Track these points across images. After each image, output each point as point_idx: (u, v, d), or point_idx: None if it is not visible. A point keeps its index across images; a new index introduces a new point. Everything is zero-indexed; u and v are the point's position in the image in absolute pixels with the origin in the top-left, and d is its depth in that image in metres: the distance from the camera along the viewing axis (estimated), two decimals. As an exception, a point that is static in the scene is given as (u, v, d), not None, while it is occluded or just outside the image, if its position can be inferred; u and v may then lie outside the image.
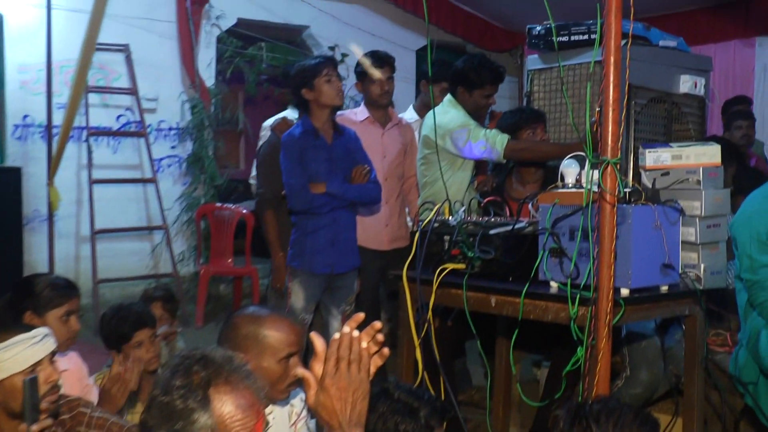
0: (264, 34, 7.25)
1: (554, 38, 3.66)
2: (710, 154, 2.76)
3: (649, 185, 2.77)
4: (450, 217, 2.91)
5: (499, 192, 3.84)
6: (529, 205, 2.81)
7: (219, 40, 6.92)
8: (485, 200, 3.04)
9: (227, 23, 6.94)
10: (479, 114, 4.04)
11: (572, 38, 3.71)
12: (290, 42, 7.59)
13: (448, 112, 3.90)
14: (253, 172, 4.50)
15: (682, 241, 2.61)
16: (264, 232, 4.04)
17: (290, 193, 3.64)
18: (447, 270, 2.76)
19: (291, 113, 4.45)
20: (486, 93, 3.95)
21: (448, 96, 4.00)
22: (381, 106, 4.30)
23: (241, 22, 7.07)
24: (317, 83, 3.67)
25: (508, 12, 8.12)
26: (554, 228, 2.51)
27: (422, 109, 4.71)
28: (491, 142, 3.72)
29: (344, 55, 7.37)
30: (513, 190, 3.87)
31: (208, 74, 6.82)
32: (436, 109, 3.82)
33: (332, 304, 3.84)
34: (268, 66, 7.27)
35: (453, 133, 3.81)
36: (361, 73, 4.31)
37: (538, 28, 3.82)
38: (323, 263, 3.70)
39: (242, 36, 7.08)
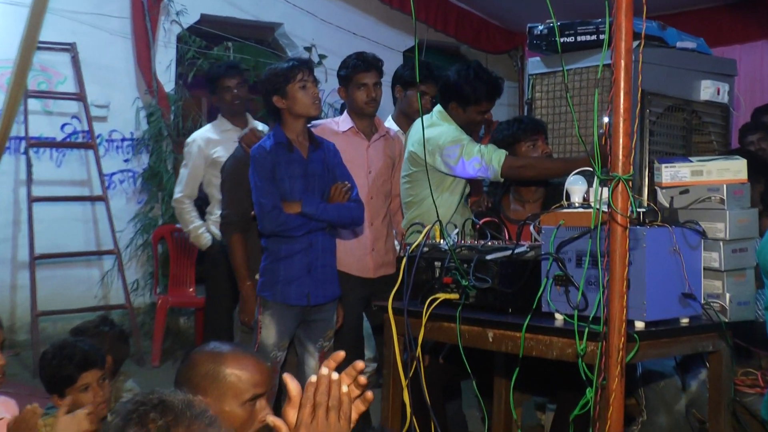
0: (231, 33, 7.28)
1: (557, 39, 3.69)
2: (735, 169, 2.79)
3: (666, 204, 2.79)
4: (441, 241, 2.92)
5: (495, 213, 3.86)
6: (531, 227, 2.82)
7: (180, 38, 6.94)
8: (481, 221, 3.05)
9: (189, 20, 6.97)
10: (472, 129, 4.06)
11: (578, 39, 3.75)
12: (261, 41, 7.62)
13: (438, 126, 3.92)
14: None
15: (704, 268, 2.63)
16: (230, 258, 4.04)
17: (261, 214, 3.64)
18: (438, 300, 2.77)
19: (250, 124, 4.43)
20: (482, 109, 3.97)
21: (438, 108, 4.01)
22: (366, 115, 4.31)
23: (205, 19, 7.10)
24: (290, 90, 3.69)
25: (507, 9, 8.20)
26: (559, 253, 2.53)
27: (401, 119, 4.72)
28: (487, 159, 3.73)
29: (322, 57, 7.41)
30: (511, 211, 3.89)
31: (166, 78, 6.83)
32: (423, 120, 3.84)
33: (308, 340, 3.83)
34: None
35: (444, 150, 3.83)
36: (344, 77, 4.33)
37: (540, 27, 3.86)
38: (298, 293, 3.69)
39: (206, 34, 7.10)
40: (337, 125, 4.36)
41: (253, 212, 3.73)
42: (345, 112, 4.45)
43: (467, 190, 4.09)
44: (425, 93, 4.61)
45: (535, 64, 4.03)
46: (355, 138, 4.32)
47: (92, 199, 6.56)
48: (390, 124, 4.70)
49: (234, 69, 5.24)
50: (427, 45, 7.73)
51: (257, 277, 3.91)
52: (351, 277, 4.22)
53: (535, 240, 2.82)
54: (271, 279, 3.69)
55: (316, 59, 7.45)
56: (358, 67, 4.27)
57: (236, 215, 4.01)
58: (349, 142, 4.28)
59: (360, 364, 1.62)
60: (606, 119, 2.26)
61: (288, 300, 3.69)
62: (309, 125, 3.93)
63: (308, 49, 7.50)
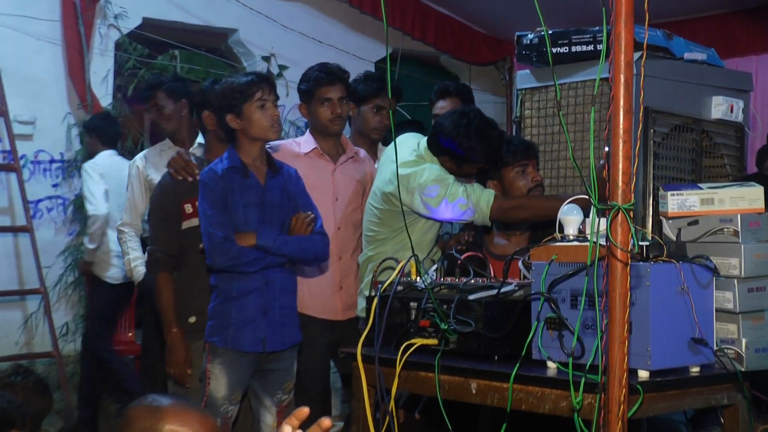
0: (178, 39, 7.30)
1: (549, 49, 3.74)
2: (751, 197, 2.83)
3: (673, 237, 2.83)
4: (418, 279, 2.92)
5: (477, 248, 3.87)
6: (519, 263, 2.84)
7: (118, 45, 6.95)
8: (463, 256, 3.06)
9: (129, 24, 6.99)
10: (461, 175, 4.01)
11: (573, 49, 3.80)
12: (212, 49, 7.65)
13: (419, 163, 3.90)
14: None
15: (716, 310, 2.66)
16: (156, 300, 4.02)
17: (210, 246, 3.63)
18: (414, 346, 2.77)
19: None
20: (478, 168, 3.93)
21: (424, 145, 3.98)
22: (331, 135, 4.33)
23: (147, 24, 7.12)
24: (247, 110, 3.68)
25: (494, 15, 8.29)
26: (551, 292, 2.55)
27: (358, 140, 4.69)
28: (474, 201, 3.73)
29: (282, 68, 7.45)
30: (494, 246, 3.91)
31: (103, 90, 6.83)
32: (402, 150, 3.86)
33: (265, 393, 3.82)
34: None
35: (425, 189, 3.78)
36: (305, 92, 4.34)
37: (530, 35, 3.91)
38: (252, 338, 3.68)
39: (149, 41, 7.11)
40: (299, 146, 4.37)
41: (201, 245, 3.72)
42: (308, 131, 4.46)
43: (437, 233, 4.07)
44: (381, 107, 4.60)
45: (524, 78, 4.07)
46: (319, 161, 4.33)
47: (15, 230, 6.51)
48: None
49: (165, 85, 5.14)
50: (403, 55, 7.80)
51: (191, 320, 3.90)
52: (316, 321, 4.21)
53: (524, 278, 2.84)
54: (222, 322, 3.68)
55: (275, 70, 7.49)
56: (321, 80, 4.29)
57: (163, 251, 4.00)
58: (313, 165, 4.29)
59: (326, 422, 1.62)
60: (606, 149, 2.28)
61: (241, 346, 3.67)
62: (267, 147, 3.93)
63: (266, 58, 7.53)
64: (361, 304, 4.05)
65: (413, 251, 2.97)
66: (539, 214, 3.69)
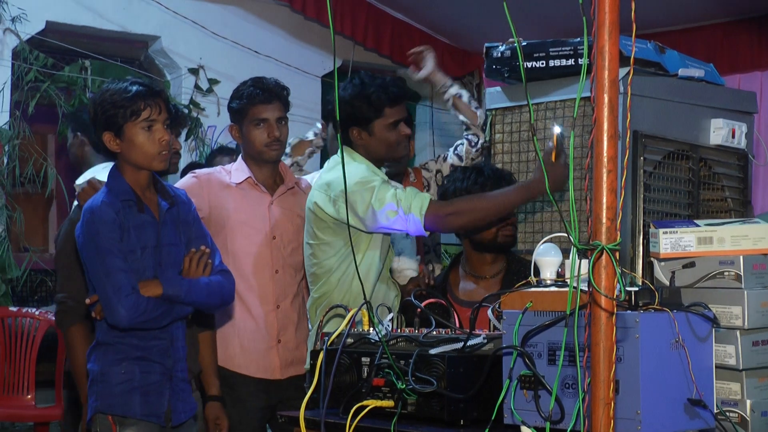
0: (89, 48, 7.27)
1: (521, 63, 3.78)
2: (756, 236, 2.86)
3: (666, 282, 2.86)
4: (371, 330, 2.93)
5: (441, 292, 3.88)
6: (488, 311, 2.86)
7: (17, 54, 6.90)
8: (423, 303, 3.08)
9: (30, 29, 6.94)
10: (396, 155, 4.07)
11: (551, 63, 3.86)
12: (130, 60, 7.62)
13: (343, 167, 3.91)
14: None
15: (716, 366, 2.68)
16: (70, 357, 3.97)
17: (115, 300, 3.50)
18: (367, 409, 2.77)
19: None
20: (390, 120, 3.93)
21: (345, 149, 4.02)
22: (267, 161, 4.32)
23: (52, 28, 7.08)
24: (129, 130, 3.58)
25: (460, 23, 8.35)
26: (525, 346, 2.56)
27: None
28: (405, 207, 3.68)
29: (213, 82, 7.44)
30: (460, 291, 3.93)
31: (-2, 107, 6.78)
32: (328, 164, 3.88)
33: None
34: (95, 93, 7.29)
35: (349, 196, 3.81)
36: (237, 111, 4.34)
37: (501, 47, 3.96)
38: (158, 408, 3.61)
39: (54, 49, 7.07)
40: (229, 176, 4.35)
41: (89, 299, 3.60)
42: (240, 157, 4.45)
43: (391, 252, 4.07)
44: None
45: (494, 96, 4.12)
46: (252, 192, 4.32)
47: None
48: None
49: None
50: (355, 68, 7.82)
51: None
52: (249, 380, 4.19)
53: (495, 328, 2.85)
54: (127, 386, 3.59)
55: (204, 85, 7.49)
56: (255, 98, 4.28)
57: (76, 299, 3.93)
58: (246, 197, 4.28)
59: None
60: (586, 174, 2.31)
61: (149, 416, 3.60)
62: (191, 173, 3.90)
63: (194, 71, 7.52)
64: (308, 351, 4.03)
65: (364, 296, 2.97)
66: (485, 216, 3.66)
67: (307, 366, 4.03)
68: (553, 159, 3.47)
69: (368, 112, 3.92)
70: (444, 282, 4.00)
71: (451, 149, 4.99)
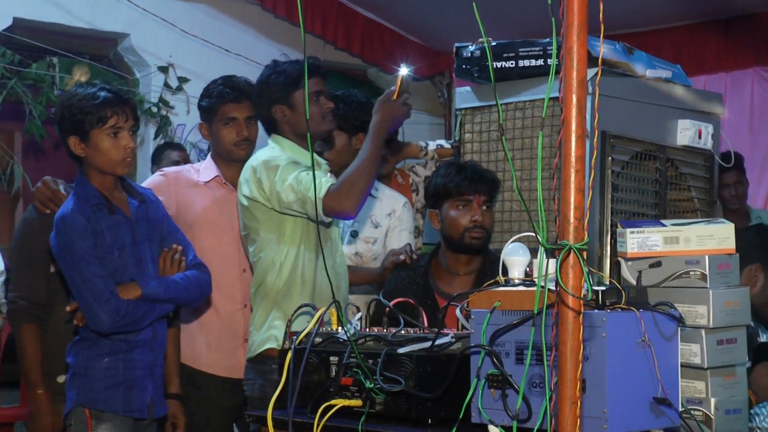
0: (57, 45, 7.23)
1: (490, 62, 3.79)
2: (721, 235, 2.88)
3: (633, 281, 2.87)
4: (339, 329, 2.92)
5: (423, 277, 3.89)
6: (457, 310, 2.86)
7: (-17, 50, 6.85)
8: (392, 302, 3.08)
9: (-2, 25, 6.90)
10: (322, 129, 3.98)
11: (521, 64, 3.86)
12: (99, 57, 7.58)
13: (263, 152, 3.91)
14: None
15: (682, 365, 2.69)
16: (19, 357, 3.96)
17: (95, 307, 3.49)
18: (334, 408, 2.76)
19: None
20: (310, 90, 3.87)
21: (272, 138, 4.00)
22: (236, 160, 4.31)
23: (20, 25, 7.03)
24: (95, 136, 3.58)
25: (431, 22, 8.36)
26: (493, 345, 2.56)
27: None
28: (303, 189, 3.63)
29: (182, 80, 7.41)
30: (444, 283, 3.93)
31: (-38, 104, 6.72)
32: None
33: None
34: (64, 93, 7.23)
35: (257, 175, 3.78)
36: (207, 110, 4.32)
37: (471, 47, 3.96)
38: (140, 402, 3.62)
39: (22, 45, 7.03)
40: (198, 174, 4.35)
41: (69, 307, 3.58)
42: (209, 156, 4.44)
43: (333, 234, 4.01)
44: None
45: (464, 96, 4.12)
46: (221, 190, 4.31)
47: None
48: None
49: None
50: (326, 67, 7.81)
51: (60, 379, 3.82)
52: (215, 379, 4.17)
53: (463, 327, 2.86)
54: (110, 381, 3.60)
55: (174, 83, 7.46)
56: (225, 96, 4.28)
57: (27, 298, 3.92)
58: (214, 196, 4.27)
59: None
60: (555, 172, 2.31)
61: (131, 412, 3.61)
62: (159, 171, 3.88)
63: (163, 69, 7.49)
64: (253, 339, 3.94)
65: (332, 293, 2.96)
66: (361, 181, 3.62)
67: (250, 352, 3.96)
68: (395, 98, 3.65)
69: (286, 85, 3.92)
70: (427, 268, 3.99)
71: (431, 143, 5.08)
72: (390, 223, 4.56)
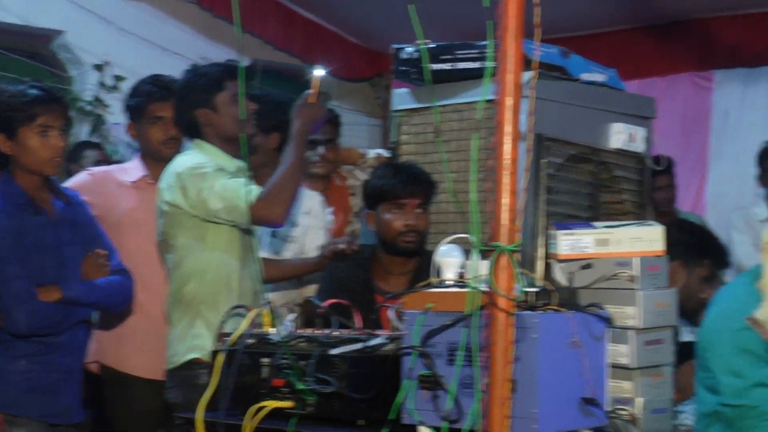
0: (-13, 41, 7.13)
1: (425, 64, 3.80)
2: (650, 238, 2.92)
3: (565, 283, 2.89)
4: (272, 330, 2.91)
5: (365, 282, 3.89)
6: (389, 312, 2.86)
7: None
8: (325, 303, 3.07)
9: None
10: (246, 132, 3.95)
11: (458, 66, 3.87)
12: (33, 54, 7.48)
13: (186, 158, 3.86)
14: None
15: (611, 365, 2.71)
16: None
17: (12, 307, 3.45)
18: (266, 410, 2.75)
19: None
20: (233, 92, 3.85)
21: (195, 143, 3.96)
22: (164, 160, 4.26)
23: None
24: (22, 134, 3.53)
25: (370, 23, 8.35)
26: (426, 346, 2.56)
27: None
28: (231, 197, 3.61)
29: (119, 79, 7.34)
30: (382, 281, 3.93)
31: None
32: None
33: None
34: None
35: (182, 182, 3.72)
36: (134, 109, 4.28)
37: (409, 49, 3.96)
38: (60, 407, 3.57)
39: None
40: (125, 173, 4.31)
41: None
42: (137, 155, 4.40)
43: (254, 241, 3.96)
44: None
45: (401, 98, 4.12)
46: (148, 190, 4.24)
47: None
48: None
49: None
50: (264, 67, 7.79)
51: None
52: (141, 382, 4.12)
53: (396, 328, 2.86)
54: (26, 385, 3.53)
55: (110, 81, 7.38)
56: (153, 95, 4.24)
57: None
58: (141, 197, 4.23)
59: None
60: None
61: (47, 416, 3.54)
62: (86, 170, 3.84)
63: (99, 67, 7.40)
64: (174, 350, 3.88)
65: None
66: (288, 188, 3.62)
67: (170, 362, 3.91)
68: (313, 100, 3.65)
69: (208, 88, 3.87)
70: (369, 263, 3.98)
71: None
72: (309, 221, 4.56)
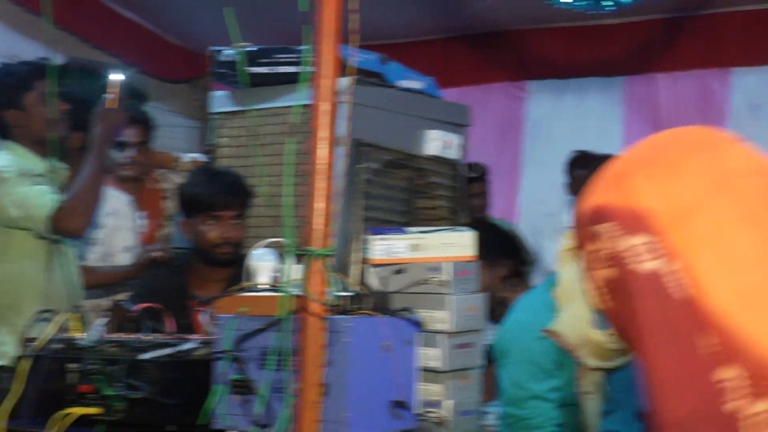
0: None
1: (241, 67, 3.78)
2: (462, 243, 2.98)
3: (378, 288, 2.92)
4: (80, 335, 2.85)
5: (180, 288, 3.83)
6: (201, 316, 2.84)
7: None
8: (136, 307, 3.03)
9: None
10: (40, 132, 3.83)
11: (277, 70, 3.86)
12: None
13: None
14: None
15: (422, 368, 2.76)
16: None
17: None
18: (72, 417, 2.68)
19: None
20: (41, 91, 3.78)
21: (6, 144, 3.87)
22: None
23: None
24: None
25: (190, 24, 8.27)
26: (240, 350, 2.55)
27: None
28: (29, 206, 3.56)
29: None
30: (198, 288, 3.88)
31: None
32: None
33: None
34: None
35: None
36: None
37: (227, 51, 3.93)
38: None
39: None
40: None
41: None
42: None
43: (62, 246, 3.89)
44: None
45: (219, 100, 4.08)
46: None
47: None
48: None
49: None
50: (79, 66, 7.60)
51: None
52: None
53: (209, 333, 2.83)
54: None
55: None
56: None
57: None
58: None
59: None
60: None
61: None
62: None
63: None
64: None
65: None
66: (90, 199, 3.60)
67: None
68: (113, 105, 3.66)
69: (16, 88, 3.81)
70: (184, 270, 3.92)
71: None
72: (115, 222, 4.48)
